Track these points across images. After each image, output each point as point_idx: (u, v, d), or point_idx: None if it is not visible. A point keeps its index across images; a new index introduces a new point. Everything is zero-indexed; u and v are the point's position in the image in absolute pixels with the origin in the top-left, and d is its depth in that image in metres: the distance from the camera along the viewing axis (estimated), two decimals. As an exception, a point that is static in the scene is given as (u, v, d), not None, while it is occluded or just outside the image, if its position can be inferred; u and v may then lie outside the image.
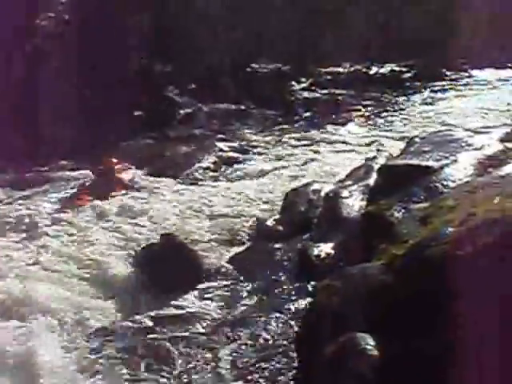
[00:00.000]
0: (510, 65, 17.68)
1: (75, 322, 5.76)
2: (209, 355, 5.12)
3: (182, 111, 14.15)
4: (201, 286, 6.37)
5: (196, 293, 6.23)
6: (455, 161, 6.73)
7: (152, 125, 12.78)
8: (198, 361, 5.06)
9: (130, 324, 5.73)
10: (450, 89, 16.64)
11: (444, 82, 17.32)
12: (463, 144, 7.40)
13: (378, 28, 18.65)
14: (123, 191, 9.19)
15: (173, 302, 6.05)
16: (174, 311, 5.91)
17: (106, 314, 5.99)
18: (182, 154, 11.40)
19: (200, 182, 9.96)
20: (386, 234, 4.80)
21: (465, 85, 17.00)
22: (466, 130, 8.71)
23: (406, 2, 19.30)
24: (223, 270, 6.71)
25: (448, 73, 18.25)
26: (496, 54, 18.44)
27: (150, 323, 5.72)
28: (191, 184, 9.81)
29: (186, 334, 5.49)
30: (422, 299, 3.53)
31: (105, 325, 5.79)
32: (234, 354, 5.08)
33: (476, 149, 7.21)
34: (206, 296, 6.19)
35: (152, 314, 5.86)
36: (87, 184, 9.67)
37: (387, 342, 3.54)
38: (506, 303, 3.20)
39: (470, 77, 17.94)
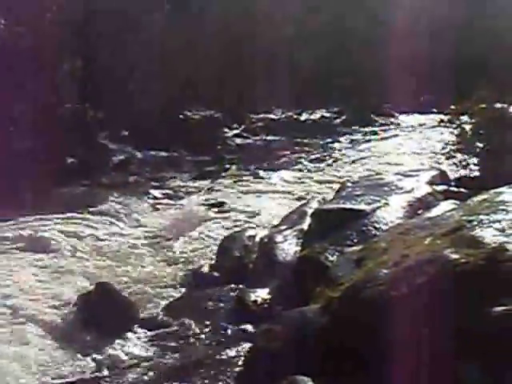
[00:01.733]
0: (433, 109, 18.26)
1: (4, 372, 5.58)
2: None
3: (115, 158, 14.07)
4: (135, 334, 6.26)
5: (130, 342, 6.12)
6: (386, 204, 6.89)
7: (85, 171, 12.65)
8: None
9: (64, 372, 5.58)
10: (379, 133, 17.06)
11: (373, 127, 17.75)
12: (393, 187, 7.59)
13: (309, 75, 19.06)
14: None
15: (106, 351, 5.92)
16: (106, 361, 5.77)
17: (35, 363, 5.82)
18: (117, 200, 11.29)
19: (134, 229, 9.86)
20: (321, 277, 4.85)
21: (392, 129, 17.47)
22: (396, 173, 8.92)
23: (334, 50, 19.81)
24: (158, 318, 6.62)
25: (376, 118, 18.74)
26: (421, 100, 19.06)
27: (81, 373, 5.58)
28: (126, 231, 9.71)
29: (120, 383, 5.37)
30: (360, 340, 3.57)
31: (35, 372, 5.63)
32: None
33: (406, 192, 7.41)
34: (140, 345, 6.08)
35: (83, 364, 5.72)
36: None
37: (327, 383, 3.56)
38: (440, 338, 3.28)
39: (397, 122, 18.45)
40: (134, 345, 6.06)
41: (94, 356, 5.83)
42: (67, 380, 5.50)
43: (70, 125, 13.33)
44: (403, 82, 16.81)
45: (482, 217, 4.09)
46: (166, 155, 14.60)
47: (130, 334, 6.21)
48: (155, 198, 11.58)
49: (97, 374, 5.55)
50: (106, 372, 5.58)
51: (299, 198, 10.89)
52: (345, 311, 3.83)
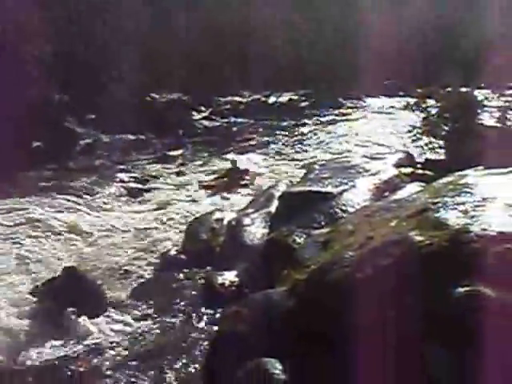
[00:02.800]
0: (400, 93, 18.36)
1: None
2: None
3: (82, 142, 13.94)
4: (103, 318, 6.25)
5: (98, 325, 6.11)
6: (353, 186, 6.93)
7: (52, 156, 12.51)
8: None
9: (30, 357, 5.56)
10: (347, 116, 17.10)
11: (340, 110, 17.80)
12: (360, 170, 7.64)
13: (274, 58, 19.02)
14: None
15: (74, 334, 5.92)
16: (75, 345, 5.76)
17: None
18: (84, 184, 11.21)
19: (102, 213, 9.80)
20: (288, 259, 4.87)
21: (360, 112, 17.53)
22: (363, 156, 8.97)
23: (304, 33, 19.81)
24: (127, 301, 6.62)
25: (344, 101, 18.78)
26: (387, 83, 19.15)
27: (50, 356, 5.57)
28: (92, 215, 9.65)
29: (87, 368, 5.36)
30: (326, 322, 3.60)
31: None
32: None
33: (372, 174, 7.46)
34: (108, 328, 6.08)
35: (52, 349, 5.70)
36: None
37: (294, 365, 3.59)
38: (406, 320, 3.32)
39: (364, 105, 18.52)
40: (103, 328, 6.06)
41: (63, 340, 5.82)
42: (35, 363, 5.49)
43: (37, 109, 13.15)
44: (371, 66, 16.85)
45: (446, 199, 4.13)
46: (133, 138, 14.52)
47: (97, 318, 6.21)
48: (122, 181, 11.50)
49: (65, 357, 5.55)
50: (74, 355, 5.57)
51: (266, 181, 10.90)
52: (311, 294, 3.86)
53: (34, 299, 6.52)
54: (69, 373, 5.28)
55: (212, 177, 11.36)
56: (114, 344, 5.77)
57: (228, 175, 10.90)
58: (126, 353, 5.59)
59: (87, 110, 15.07)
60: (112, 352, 5.62)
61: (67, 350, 5.68)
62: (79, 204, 10.08)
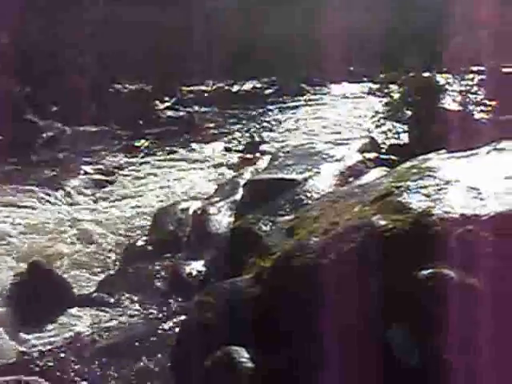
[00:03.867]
0: (364, 79, 18.45)
1: None
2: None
3: (44, 134, 13.76)
4: (71, 313, 6.20)
5: (65, 320, 6.06)
6: (318, 173, 6.96)
7: (13, 149, 12.33)
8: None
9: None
10: (310, 103, 17.16)
11: (304, 97, 17.84)
12: (325, 156, 7.67)
13: (240, 45, 18.99)
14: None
15: (40, 333, 5.85)
16: (41, 342, 5.70)
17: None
18: (47, 177, 11.08)
19: (66, 206, 9.72)
20: (254, 247, 4.87)
21: (323, 99, 17.59)
22: (327, 142, 9.00)
23: (266, 20, 19.79)
24: (93, 295, 6.58)
25: (307, 88, 18.82)
26: (351, 70, 19.23)
27: (15, 355, 5.50)
28: (57, 208, 9.56)
29: (53, 364, 5.31)
30: (291, 309, 3.61)
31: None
32: (109, 381, 4.98)
33: (337, 160, 7.49)
34: (76, 323, 6.03)
35: (18, 346, 5.64)
36: None
37: (261, 353, 3.59)
38: (370, 304, 3.34)
39: (327, 91, 18.58)
40: (70, 323, 6.01)
41: (29, 337, 5.76)
42: (1, 363, 5.42)
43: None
44: (334, 52, 16.88)
45: (409, 183, 4.15)
46: (97, 130, 14.37)
47: (65, 313, 6.16)
48: (86, 173, 11.40)
49: (32, 354, 5.49)
50: (42, 352, 5.52)
51: (232, 169, 10.90)
52: (275, 280, 3.87)
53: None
54: (36, 369, 5.21)
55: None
56: (81, 338, 5.72)
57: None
58: (94, 346, 5.55)
59: (49, 103, 14.89)
60: (79, 346, 5.57)
61: (34, 346, 5.63)
62: (42, 197, 9.96)
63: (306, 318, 3.49)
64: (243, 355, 3.58)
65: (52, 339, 5.72)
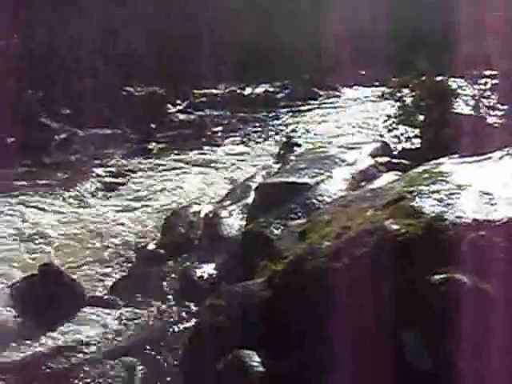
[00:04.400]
0: (376, 83, 18.42)
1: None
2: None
3: (56, 137, 13.82)
4: (82, 315, 6.21)
5: (77, 323, 6.07)
6: (330, 177, 6.96)
7: (26, 152, 12.39)
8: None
9: (7, 356, 5.51)
10: (322, 107, 17.14)
11: (316, 101, 17.82)
12: (337, 160, 7.66)
13: (251, 50, 19.02)
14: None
15: (53, 334, 5.87)
16: (54, 343, 5.72)
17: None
18: (59, 180, 11.13)
19: (78, 208, 9.74)
20: (266, 251, 4.88)
21: (335, 103, 17.57)
22: (339, 146, 8.99)
23: (279, 24, 19.81)
24: (105, 297, 6.59)
25: (320, 92, 18.80)
26: (364, 74, 19.22)
27: (29, 357, 5.52)
28: (69, 210, 9.58)
29: (67, 365, 5.32)
30: (303, 312, 3.61)
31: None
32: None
33: (349, 164, 7.48)
34: (87, 326, 6.04)
35: (30, 347, 5.66)
36: None
37: (272, 357, 3.59)
38: (383, 308, 3.34)
39: (340, 95, 18.56)
40: (81, 326, 6.02)
41: (41, 338, 5.77)
42: (12, 361, 5.44)
43: (10, 104, 13.02)
44: (346, 56, 16.88)
45: (421, 188, 4.15)
46: (109, 133, 14.41)
47: (76, 315, 6.17)
48: (98, 175, 11.44)
49: (44, 356, 5.51)
50: (53, 354, 5.53)
51: (244, 173, 10.90)
52: (287, 284, 3.87)
53: (10, 298, 6.46)
54: (47, 370, 5.23)
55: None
56: (93, 340, 5.73)
57: None
58: (106, 349, 5.56)
59: (62, 105, 14.95)
60: (91, 348, 5.59)
61: (46, 348, 5.64)
62: (55, 200, 10.00)
63: (317, 321, 3.49)
64: (254, 359, 3.58)
65: (63, 340, 5.73)
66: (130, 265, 7.49)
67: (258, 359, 3.57)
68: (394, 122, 10.17)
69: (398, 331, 3.22)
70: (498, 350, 2.96)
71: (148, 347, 5.45)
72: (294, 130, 14.56)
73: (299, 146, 11.67)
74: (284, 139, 12.24)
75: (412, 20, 20.50)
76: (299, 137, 13.78)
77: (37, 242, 8.18)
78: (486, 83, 10.75)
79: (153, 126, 15.03)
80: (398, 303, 3.29)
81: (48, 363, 5.35)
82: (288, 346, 3.55)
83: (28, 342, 5.76)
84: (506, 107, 9.75)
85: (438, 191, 4.00)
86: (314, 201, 6.35)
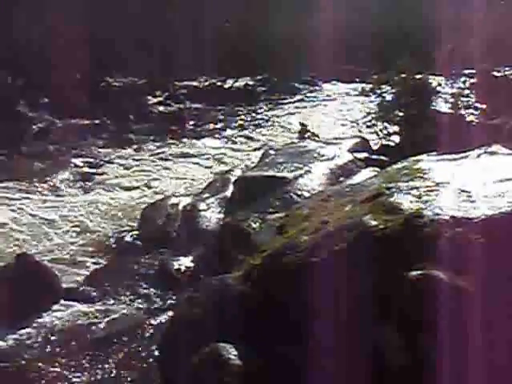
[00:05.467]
0: (356, 79, 18.46)
1: None
2: (69, 376, 4.98)
3: (35, 126, 13.70)
4: (58, 306, 6.18)
5: (54, 314, 6.04)
6: (309, 171, 6.97)
7: (3, 141, 12.27)
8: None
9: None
10: (302, 101, 17.15)
11: (296, 96, 17.83)
12: (316, 155, 7.69)
13: (232, 43, 18.97)
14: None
15: (27, 325, 5.83)
16: (27, 334, 5.68)
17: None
18: (37, 170, 11.04)
19: (55, 198, 9.67)
20: (244, 244, 4.89)
21: (315, 98, 17.58)
22: (319, 141, 9.01)
23: (259, 18, 19.76)
24: (81, 288, 6.55)
25: (300, 86, 18.81)
26: (344, 69, 19.24)
27: (2, 346, 5.48)
28: (46, 200, 9.52)
29: (44, 356, 5.29)
30: (280, 307, 3.62)
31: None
32: (96, 375, 4.98)
33: (328, 159, 7.51)
34: (63, 316, 6.01)
35: (3, 339, 5.61)
36: None
37: (249, 351, 3.60)
38: (360, 304, 3.35)
39: (320, 90, 18.58)
40: (57, 317, 5.99)
41: (16, 329, 5.73)
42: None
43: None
44: (327, 51, 16.88)
45: (400, 184, 4.17)
46: (88, 123, 14.30)
47: (52, 306, 6.14)
48: (76, 166, 11.36)
49: (17, 347, 5.47)
50: (28, 345, 5.50)
51: (222, 166, 10.89)
52: (266, 278, 3.87)
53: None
54: (20, 362, 5.20)
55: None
56: (69, 332, 5.71)
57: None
58: (81, 340, 5.53)
59: (41, 94, 14.82)
60: (66, 340, 5.56)
61: (18, 339, 5.60)
62: (32, 189, 9.93)
63: (295, 316, 3.50)
64: (231, 352, 3.58)
65: (38, 332, 5.70)
66: (106, 256, 7.45)
67: (235, 352, 3.57)
68: (373, 119, 10.21)
69: (375, 327, 3.24)
70: (475, 346, 2.99)
71: (123, 339, 5.44)
72: (272, 125, 14.57)
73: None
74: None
75: (395, 18, 20.54)
76: (278, 131, 13.81)
77: (12, 232, 8.12)
78: (465, 82, 10.85)
79: (132, 117, 14.94)
80: (375, 299, 3.30)
81: (21, 355, 5.32)
82: (266, 340, 3.56)
83: (3, 332, 5.72)
84: (484, 106, 9.84)
85: (416, 188, 4.02)
86: (293, 195, 6.37)
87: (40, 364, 5.15)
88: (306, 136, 11.08)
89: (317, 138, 10.38)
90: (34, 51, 14.65)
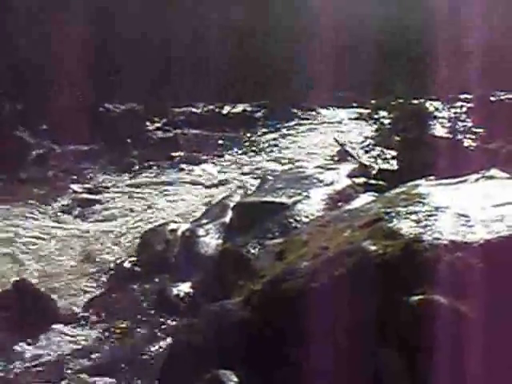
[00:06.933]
0: (353, 104, 18.56)
1: None
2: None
3: (33, 152, 13.74)
4: (55, 333, 6.15)
5: (50, 340, 6.01)
6: (307, 197, 6.99)
7: (2, 166, 12.30)
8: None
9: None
10: (300, 127, 17.22)
11: (294, 121, 17.90)
12: (314, 180, 7.70)
13: (230, 69, 19.06)
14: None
15: (24, 351, 5.80)
16: (24, 360, 5.65)
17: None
18: (35, 195, 11.04)
19: (54, 224, 9.67)
20: (243, 270, 4.89)
21: (313, 123, 17.66)
22: (317, 167, 9.04)
23: (266, 47, 19.91)
24: (79, 314, 6.54)
25: (297, 112, 18.89)
26: (341, 95, 19.35)
27: None
28: (44, 226, 9.51)
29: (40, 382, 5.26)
30: (280, 333, 3.61)
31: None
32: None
33: (326, 185, 7.52)
34: (60, 343, 5.98)
35: (1, 364, 5.58)
36: None
37: (250, 377, 3.59)
38: (360, 329, 3.35)
39: (317, 116, 18.67)
40: (54, 343, 5.96)
41: (11, 355, 5.70)
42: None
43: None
44: (324, 76, 16.97)
45: (399, 209, 4.18)
46: (86, 149, 14.34)
47: (49, 332, 6.11)
48: (75, 192, 11.38)
49: (13, 372, 5.44)
50: (23, 371, 5.47)
51: (221, 192, 10.90)
52: (266, 304, 3.87)
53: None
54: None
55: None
56: (67, 359, 5.67)
57: None
58: (79, 367, 5.50)
59: (39, 121, 14.87)
60: (64, 367, 5.53)
61: (15, 364, 5.57)
62: (30, 215, 9.92)
63: (295, 341, 3.49)
64: (232, 379, 3.57)
65: (34, 358, 5.67)
66: (105, 282, 7.44)
67: (235, 379, 3.56)
68: (370, 144, 10.24)
69: (375, 352, 3.23)
70: (475, 371, 2.98)
71: (122, 366, 5.40)
72: (271, 150, 14.62)
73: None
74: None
75: (391, 44, 20.68)
76: (277, 156, 13.86)
77: (11, 257, 8.11)
78: (461, 106, 10.89)
79: (130, 142, 14.99)
80: (375, 324, 3.30)
81: (18, 379, 5.29)
82: (266, 366, 3.55)
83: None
84: (480, 130, 9.88)
85: (415, 212, 4.03)
86: (292, 220, 6.37)
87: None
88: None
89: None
90: (34, 77, 14.71)
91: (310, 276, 3.77)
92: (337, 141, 11.91)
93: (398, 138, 9.79)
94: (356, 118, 16.56)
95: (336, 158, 12.21)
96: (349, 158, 11.02)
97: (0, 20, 14.78)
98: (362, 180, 8.19)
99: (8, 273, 7.57)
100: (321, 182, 7.65)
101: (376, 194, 6.50)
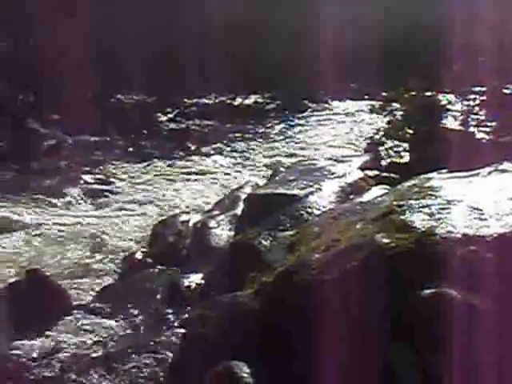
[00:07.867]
0: (365, 97, 18.49)
1: None
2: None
3: (45, 143, 13.78)
4: (68, 322, 6.18)
5: (61, 329, 6.04)
6: (319, 189, 6.96)
7: (14, 157, 12.35)
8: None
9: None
10: (312, 119, 17.17)
11: (306, 113, 17.86)
12: (326, 173, 7.68)
13: (242, 61, 19.04)
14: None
15: (36, 342, 5.83)
16: (37, 351, 5.67)
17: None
18: (47, 186, 11.09)
19: (65, 215, 9.71)
20: (254, 262, 4.88)
21: (325, 115, 17.60)
22: (329, 159, 9.01)
23: (277, 39, 19.87)
24: (91, 305, 6.56)
25: (310, 104, 18.84)
26: (354, 87, 19.29)
27: (8, 364, 5.47)
28: (56, 216, 9.55)
29: (49, 374, 5.28)
30: (292, 324, 3.61)
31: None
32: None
33: (338, 177, 7.50)
34: (72, 333, 6.00)
35: (11, 354, 5.60)
36: None
37: (262, 368, 3.59)
38: (372, 322, 3.35)
39: (329, 108, 18.60)
40: (66, 333, 5.98)
41: (24, 345, 5.73)
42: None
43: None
44: (336, 69, 16.89)
45: (411, 202, 4.16)
46: (98, 140, 14.37)
47: (61, 322, 6.14)
48: (87, 182, 11.41)
49: (26, 363, 5.46)
50: (35, 361, 5.49)
51: (232, 183, 10.90)
52: (277, 296, 3.87)
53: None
54: (30, 377, 5.19)
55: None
56: (79, 348, 5.70)
57: None
58: (92, 356, 5.52)
59: (51, 111, 14.91)
60: (77, 356, 5.55)
61: (27, 354, 5.60)
62: (42, 206, 9.97)
63: (307, 333, 3.49)
64: (244, 370, 3.57)
65: (47, 348, 5.69)
66: (117, 273, 7.47)
67: (247, 370, 3.56)
68: (383, 136, 10.18)
69: (387, 346, 3.23)
70: (488, 364, 2.97)
71: (133, 356, 5.42)
72: (282, 142, 14.60)
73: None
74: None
75: (404, 35, 20.59)
76: (288, 148, 13.84)
77: (23, 248, 8.15)
78: (474, 99, 10.83)
79: (142, 134, 15.01)
80: (387, 317, 3.30)
81: (29, 371, 5.31)
82: (278, 357, 3.55)
83: (9, 349, 5.72)
84: (493, 123, 9.83)
85: (428, 206, 4.02)
86: (303, 213, 6.35)
87: (45, 380, 5.15)
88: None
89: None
90: (45, 68, 14.74)
91: (321, 268, 3.77)
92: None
93: (410, 131, 9.74)
94: (368, 111, 16.48)
95: (348, 150, 12.19)
96: (362, 151, 10.99)
97: (13, 12, 14.80)
98: (374, 173, 8.16)
99: (20, 263, 7.62)
100: (333, 174, 7.62)
101: (388, 187, 6.48)
